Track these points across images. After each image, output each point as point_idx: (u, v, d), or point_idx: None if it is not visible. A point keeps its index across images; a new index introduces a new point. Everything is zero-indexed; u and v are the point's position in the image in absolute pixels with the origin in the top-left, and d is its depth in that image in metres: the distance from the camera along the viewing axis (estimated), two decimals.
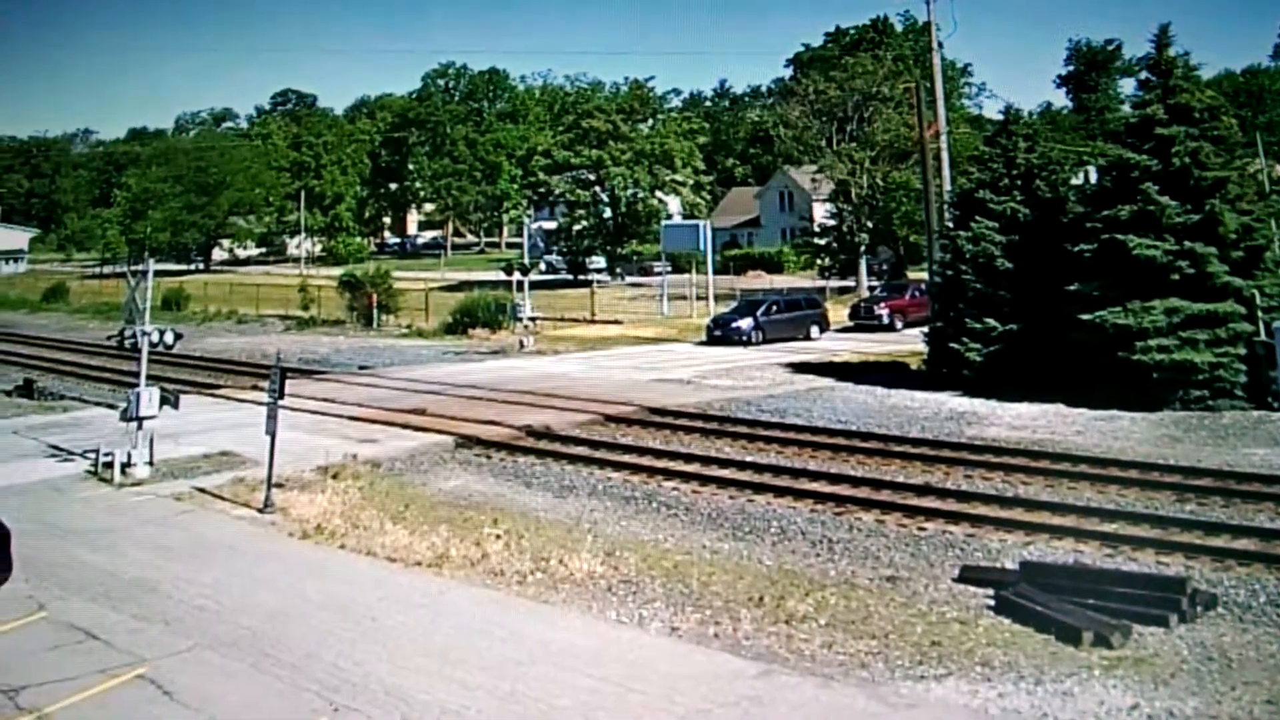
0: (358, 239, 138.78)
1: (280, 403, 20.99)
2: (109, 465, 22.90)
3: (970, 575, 16.11)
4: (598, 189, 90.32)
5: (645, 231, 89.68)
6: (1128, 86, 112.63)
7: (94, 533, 19.05)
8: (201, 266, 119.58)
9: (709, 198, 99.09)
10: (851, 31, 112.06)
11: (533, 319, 53.20)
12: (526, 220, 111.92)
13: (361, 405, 31.78)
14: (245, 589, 15.91)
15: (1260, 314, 28.49)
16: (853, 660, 13.10)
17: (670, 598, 15.38)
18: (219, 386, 37.25)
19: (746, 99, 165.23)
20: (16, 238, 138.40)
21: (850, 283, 70.68)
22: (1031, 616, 14.15)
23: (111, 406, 29.84)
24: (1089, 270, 29.38)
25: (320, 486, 21.81)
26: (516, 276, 56.98)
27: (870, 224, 69.85)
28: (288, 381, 21.94)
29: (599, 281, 79.38)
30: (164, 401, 23.47)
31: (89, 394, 37.24)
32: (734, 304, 53.98)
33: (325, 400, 32.52)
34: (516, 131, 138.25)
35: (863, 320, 51.89)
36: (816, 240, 75.77)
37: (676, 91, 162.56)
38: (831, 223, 72.75)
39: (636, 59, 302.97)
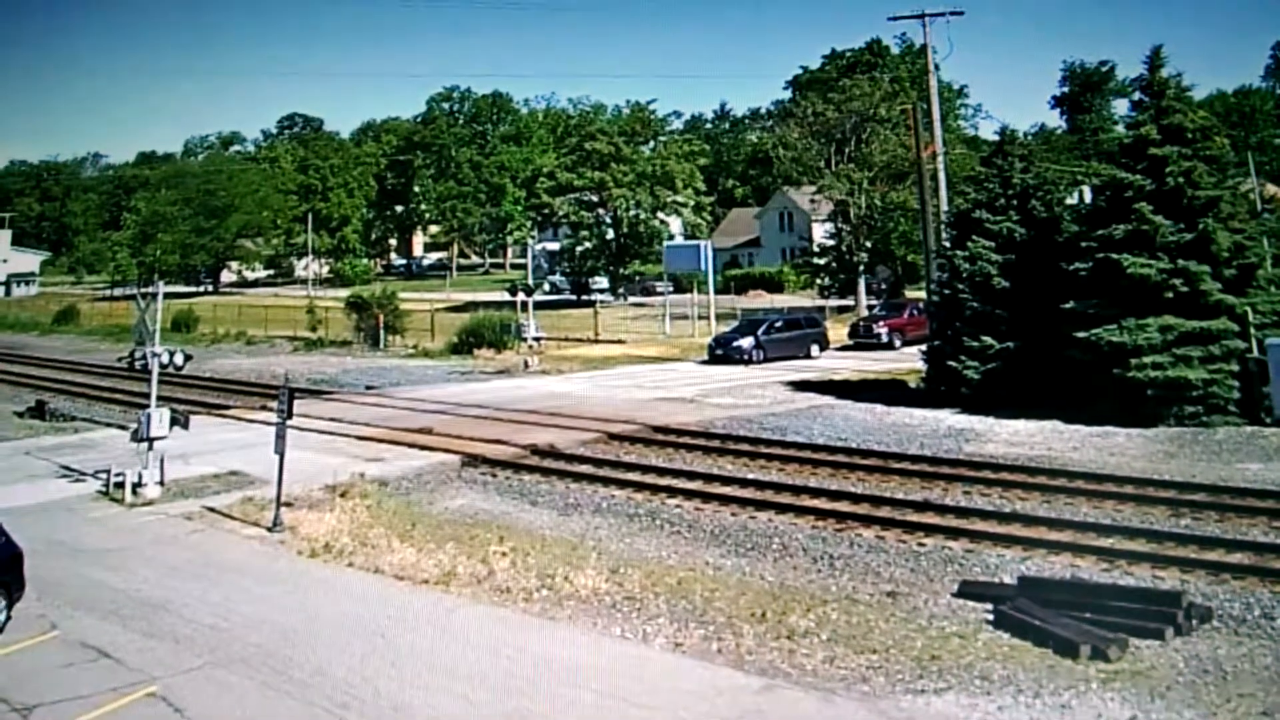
0: (364, 260, 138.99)
1: (288, 423, 21.16)
2: (120, 485, 23.10)
3: (969, 590, 16.27)
4: (600, 210, 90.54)
5: (647, 252, 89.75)
6: (1121, 107, 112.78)
7: (105, 552, 19.21)
8: (210, 289, 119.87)
9: (710, 218, 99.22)
10: (848, 54, 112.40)
11: (537, 339, 53.32)
12: (530, 241, 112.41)
13: (369, 425, 31.92)
14: (255, 607, 16.06)
15: (1253, 331, 28.63)
16: (854, 674, 13.26)
17: (674, 614, 15.54)
18: (228, 407, 37.40)
19: (746, 121, 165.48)
20: (28, 261, 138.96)
21: (849, 302, 70.80)
22: (1030, 630, 14.30)
23: (122, 427, 29.97)
24: (1084, 289, 29.57)
25: (328, 505, 21.96)
26: (521, 297, 57.19)
27: (869, 244, 69.99)
28: (296, 402, 22.17)
29: (602, 301, 79.47)
30: (174, 422, 23.64)
31: (100, 415, 37.46)
32: (735, 323, 54.05)
33: (333, 420, 32.68)
34: (520, 154, 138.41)
35: (862, 339, 52.01)
36: (816, 260, 75.89)
37: (677, 114, 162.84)
38: (831, 242, 72.89)
39: (638, 82, 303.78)
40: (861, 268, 70.51)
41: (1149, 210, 28.91)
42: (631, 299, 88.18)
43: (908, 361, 40.79)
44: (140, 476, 23.18)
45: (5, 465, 27.47)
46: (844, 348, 51.38)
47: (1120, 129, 40.78)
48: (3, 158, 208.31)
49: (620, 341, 58.27)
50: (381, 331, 59.96)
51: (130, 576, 17.78)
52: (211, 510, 22.14)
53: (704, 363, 47.82)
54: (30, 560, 16.19)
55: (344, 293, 78.48)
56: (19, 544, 16.05)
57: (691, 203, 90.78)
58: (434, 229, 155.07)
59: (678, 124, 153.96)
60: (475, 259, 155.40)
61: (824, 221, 76.97)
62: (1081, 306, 29.31)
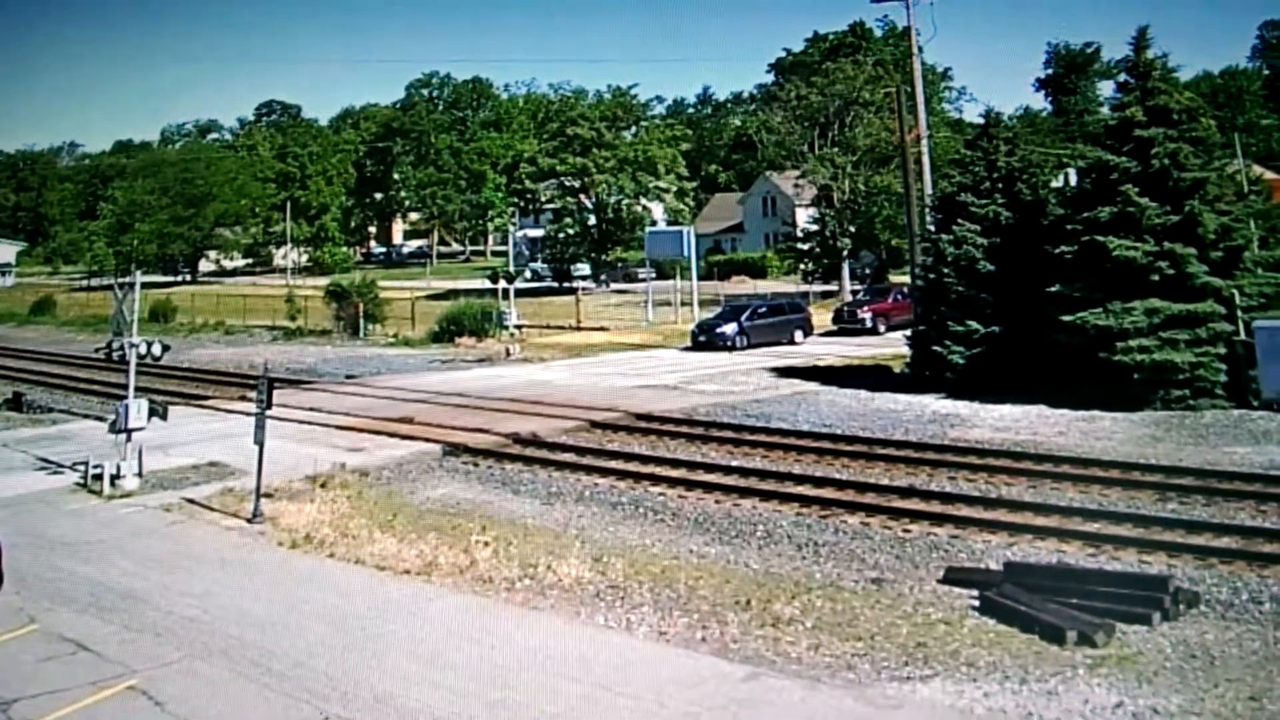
0: (344, 249, 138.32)
1: (268, 413, 21.04)
2: (98, 477, 22.93)
3: (955, 576, 16.23)
4: (582, 196, 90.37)
5: (630, 238, 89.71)
6: (1106, 89, 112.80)
7: (84, 545, 19.07)
8: (188, 278, 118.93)
9: (693, 204, 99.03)
10: (831, 37, 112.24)
11: (519, 326, 53.34)
12: (512, 228, 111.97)
13: (349, 414, 31.79)
14: (235, 599, 15.95)
15: (1240, 313, 28.64)
16: (839, 662, 13.20)
17: (658, 602, 15.47)
18: (207, 397, 37.26)
19: (729, 105, 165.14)
20: (3, 251, 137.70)
21: (833, 287, 70.79)
22: (1016, 616, 14.26)
23: (100, 419, 29.82)
24: (1070, 272, 29.53)
25: (309, 496, 21.85)
26: (502, 284, 57.10)
27: (853, 228, 69.99)
28: (275, 391, 22.04)
29: (584, 288, 79.29)
30: (152, 413, 23.50)
31: (77, 406, 37.21)
32: (718, 309, 54.05)
33: (313, 410, 32.49)
34: (501, 140, 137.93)
35: (846, 324, 52.03)
36: (800, 245, 75.79)
37: (659, 99, 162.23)
38: (814, 227, 72.81)
39: (619, 66, 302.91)
40: (845, 252, 70.49)
41: (1135, 192, 28.89)
42: (614, 286, 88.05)
43: (892, 347, 40.79)
44: (118, 468, 23.03)
45: None
46: (828, 333, 51.40)
47: (1105, 111, 40.83)
48: None
49: (603, 329, 58.21)
50: (361, 320, 59.78)
51: (109, 569, 17.66)
52: (191, 501, 22.00)
53: (687, 349, 47.78)
54: (8, 553, 16.06)
55: (323, 281, 78.11)
56: None
57: (674, 188, 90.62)
58: (414, 216, 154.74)
59: (660, 109, 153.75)
60: (456, 246, 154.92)
61: (808, 206, 76.90)
62: (1067, 290, 29.29)
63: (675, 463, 24.74)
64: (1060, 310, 29.13)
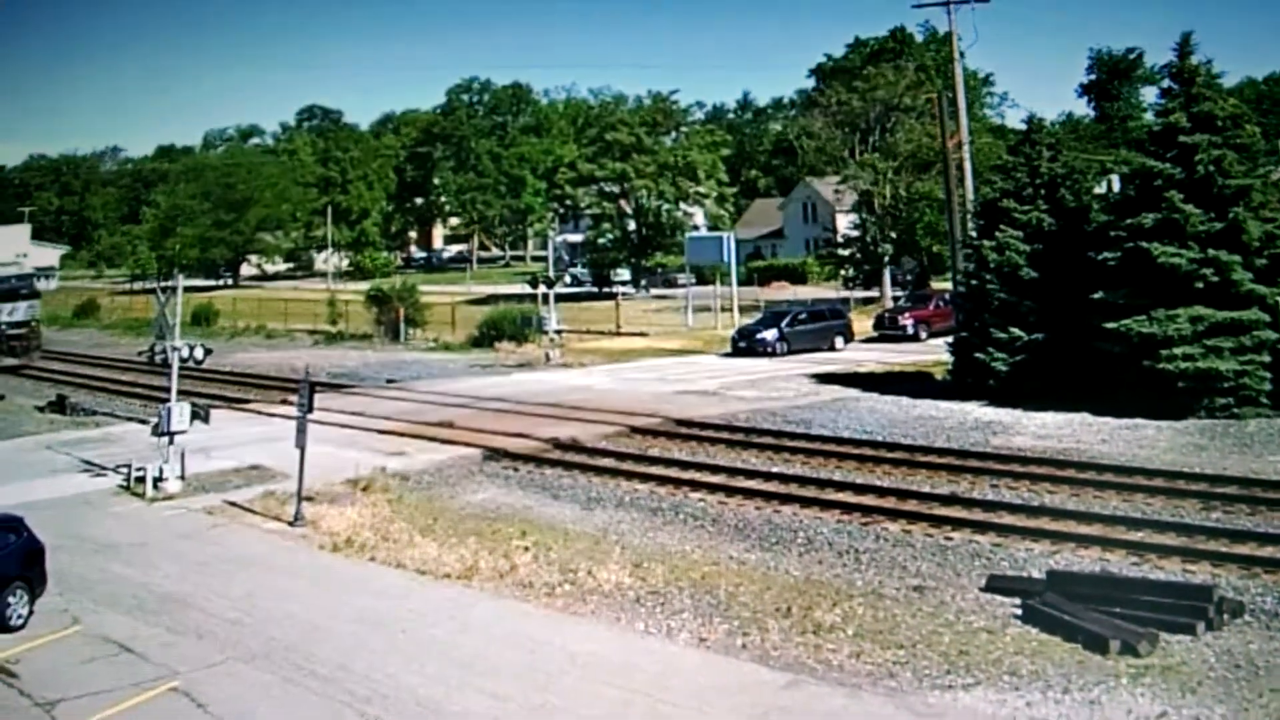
0: (384, 253, 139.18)
1: (309, 417, 21.22)
2: (141, 480, 23.19)
3: (997, 584, 16.17)
4: (622, 201, 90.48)
5: (670, 243, 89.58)
6: (1150, 95, 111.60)
7: (127, 547, 19.29)
8: (230, 282, 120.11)
9: (732, 209, 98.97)
10: (872, 42, 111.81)
11: (558, 332, 53.29)
12: (551, 233, 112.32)
13: (390, 419, 31.96)
14: (277, 602, 16.09)
15: None
16: (880, 670, 13.19)
17: (698, 608, 15.50)
18: (249, 401, 37.54)
19: (769, 110, 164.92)
20: (48, 255, 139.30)
21: (874, 293, 70.50)
22: (1059, 625, 14.22)
23: (143, 422, 30.08)
24: (1113, 279, 29.31)
25: (350, 500, 22.03)
26: (542, 289, 57.10)
27: (894, 234, 69.70)
28: (316, 395, 22.15)
29: (624, 294, 79.29)
30: (195, 416, 23.72)
31: (121, 409, 37.60)
32: (758, 315, 53.86)
33: (354, 414, 32.70)
34: (540, 145, 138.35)
35: (887, 330, 51.78)
36: (840, 251, 75.54)
37: (700, 104, 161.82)
38: (855, 233, 72.63)
39: (659, 72, 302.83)
40: (886, 259, 70.17)
41: (1179, 199, 28.65)
42: (654, 291, 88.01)
43: (934, 353, 40.57)
44: (161, 471, 23.28)
45: (27, 460, 27.64)
46: (869, 340, 51.17)
47: (1149, 117, 40.28)
48: (22, 152, 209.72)
49: (642, 334, 58.23)
50: (402, 325, 60.03)
51: (152, 571, 17.85)
52: (233, 504, 22.22)
53: (727, 355, 47.68)
54: (52, 555, 16.34)
55: (364, 286, 78.45)
56: (41, 539, 16.13)
57: (714, 194, 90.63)
58: (454, 221, 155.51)
59: (700, 114, 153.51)
60: (495, 251, 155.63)
61: (848, 212, 76.68)
62: (1111, 297, 29.07)
63: (715, 469, 24.78)
64: (1104, 317, 28.92)
